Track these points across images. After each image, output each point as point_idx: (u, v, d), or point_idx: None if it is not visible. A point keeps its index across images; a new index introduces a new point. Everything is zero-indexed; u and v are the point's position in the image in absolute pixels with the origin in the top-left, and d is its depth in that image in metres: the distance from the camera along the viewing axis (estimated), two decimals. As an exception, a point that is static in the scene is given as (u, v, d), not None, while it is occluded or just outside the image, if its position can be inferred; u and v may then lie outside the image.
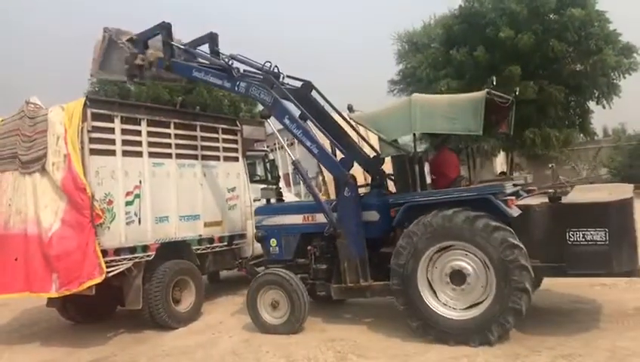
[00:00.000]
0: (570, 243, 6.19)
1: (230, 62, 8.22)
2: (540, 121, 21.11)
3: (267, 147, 12.98)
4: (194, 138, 9.04)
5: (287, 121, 7.79)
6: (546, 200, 6.70)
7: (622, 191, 6.84)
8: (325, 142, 8.00)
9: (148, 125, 8.25)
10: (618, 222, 6.13)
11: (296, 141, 8.51)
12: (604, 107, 21.97)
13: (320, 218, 7.75)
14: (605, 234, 6.06)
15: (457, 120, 6.96)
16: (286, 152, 15.66)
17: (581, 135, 24.33)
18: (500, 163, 28.60)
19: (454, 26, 22.20)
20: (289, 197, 12.23)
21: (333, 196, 8.62)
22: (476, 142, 18.87)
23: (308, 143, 7.65)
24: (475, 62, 20.71)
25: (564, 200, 6.58)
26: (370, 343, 6.75)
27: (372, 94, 43.47)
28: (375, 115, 7.91)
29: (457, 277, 6.51)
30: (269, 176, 11.37)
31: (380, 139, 7.62)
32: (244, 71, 8.36)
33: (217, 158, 9.47)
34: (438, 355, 6.12)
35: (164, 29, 8.62)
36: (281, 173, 12.72)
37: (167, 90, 24.07)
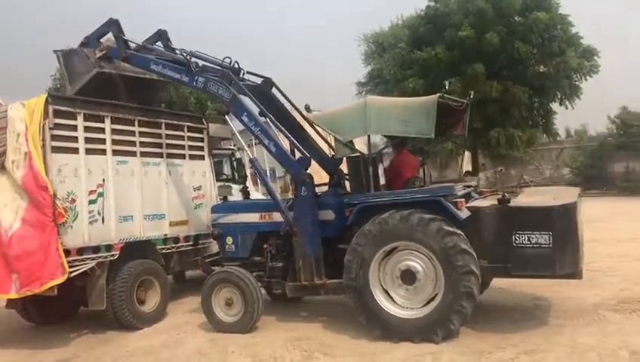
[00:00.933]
0: (515, 245, 6.39)
1: (190, 57, 8.22)
2: (505, 121, 21.50)
3: (234, 145, 12.94)
4: (159, 136, 8.95)
5: (245, 118, 7.80)
6: (495, 202, 6.85)
7: (567, 195, 7.04)
8: (285, 141, 8.04)
9: (112, 122, 8.14)
10: (562, 225, 6.32)
11: (257, 142, 8.51)
12: (566, 108, 22.55)
13: (277, 216, 7.81)
14: (549, 237, 6.25)
15: (410, 123, 7.11)
16: (253, 150, 15.67)
17: (544, 135, 24.85)
18: (465, 163, 28.98)
19: (420, 27, 22.44)
20: (256, 196, 12.22)
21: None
22: (438, 143, 19.08)
23: (266, 141, 7.70)
24: (438, 61, 20.97)
25: (512, 203, 6.75)
26: (337, 342, 6.79)
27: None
28: (331, 115, 8.02)
29: (408, 277, 6.65)
30: (236, 174, 11.33)
31: (335, 139, 7.67)
32: (204, 65, 8.34)
33: (183, 157, 9.39)
34: (405, 353, 6.19)
35: (114, 25, 8.69)
36: (248, 172, 12.67)
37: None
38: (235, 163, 11.41)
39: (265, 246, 7.92)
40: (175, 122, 9.36)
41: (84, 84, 8.79)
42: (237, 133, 8.77)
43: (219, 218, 8.49)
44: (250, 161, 8.11)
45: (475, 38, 20.28)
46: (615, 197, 26.50)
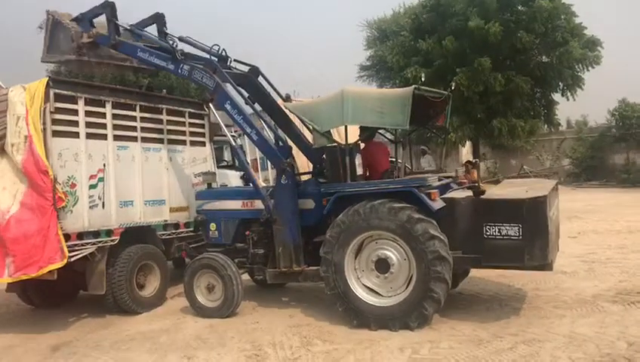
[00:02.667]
0: (486, 236, 6.47)
1: (176, 45, 8.24)
2: (507, 111, 21.40)
3: (235, 132, 12.90)
4: (160, 122, 8.93)
5: (228, 107, 7.86)
6: (467, 194, 6.91)
7: (540, 187, 7.05)
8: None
9: (113, 107, 8.13)
10: (531, 218, 6.35)
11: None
12: (568, 99, 22.38)
13: (258, 204, 7.91)
14: (519, 229, 6.33)
15: (386, 114, 7.14)
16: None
17: (546, 126, 24.77)
18: (465, 153, 28.93)
19: (422, 15, 22.28)
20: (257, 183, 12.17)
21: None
22: (437, 135, 19.02)
23: (248, 130, 7.79)
24: (443, 51, 20.84)
25: (485, 195, 6.80)
26: (336, 328, 6.81)
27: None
28: (309, 105, 8.06)
29: (382, 266, 6.77)
30: (237, 161, 11.31)
31: (313, 129, 7.67)
32: (188, 53, 8.36)
33: (184, 143, 9.38)
34: (403, 340, 6.20)
35: (108, 7, 8.57)
36: (249, 159, 12.64)
37: (133, 72, 23.61)
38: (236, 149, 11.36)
39: (247, 233, 8.03)
40: (176, 108, 9.33)
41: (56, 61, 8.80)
42: (219, 121, 8.74)
43: (203, 204, 8.58)
44: (232, 148, 8.14)
45: (482, 29, 20.12)
46: (615, 189, 26.53)
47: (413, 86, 7.08)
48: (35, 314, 8.64)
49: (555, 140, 33.76)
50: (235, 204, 8.29)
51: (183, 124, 9.40)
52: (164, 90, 9.72)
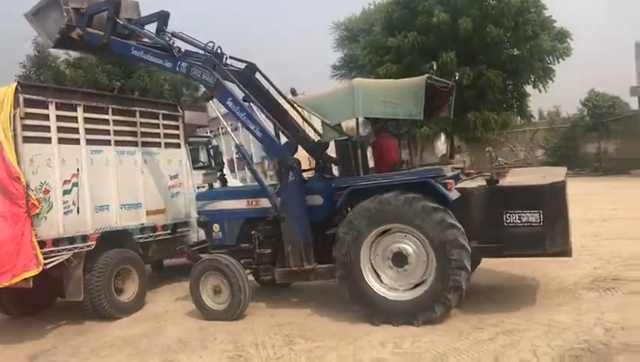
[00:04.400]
0: (506, 224, 6.41)
1: (171, 41, 8.00)
2: (480, 104, 21.63)
3: (210, 132, 12.83)
4: (133, 124, 8.83)
5: (230, 104, 7.67)
6: (484, 183, 6.86)
7: (555, 174, 7.08)
8: (270, 126, 7.94)
9: (85, 111, 8.01)
10: (552, 204, 6.34)
11: (240, 126, 8.42)
12: (540, 91, 22.76)
13: (264, 202, 7.74)
14: (540, 216, 6.29)
15: (399, 105, 7.04)
16: (230, 137, 15.56)
17: (519, 118, 25.09)
18: (440, 146, 29.16)
19: (394, 12, 22.39)
20: (234, 183, 12.14)
21: None
22: (417, 126, 19.16)
23: (251, 126, 7.59)
24: (412, 47, 20.98)
25: (502, 183, 6.76)
26: (318, 326, 6.80)
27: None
28: (318, 98, 7.89)
29: (399, 259, 6.64)
30: (213, 162, 11.23)
31: (322, 123, 7.59)
32: (186, 51, 8.14)
33: (158, 145, 9.30)
34: (386, 335, 6.22)
35: (112, 4, 8.26)
36: (225, 159, 12.59)
37: (106, 75, 23.40)
38: (211, 150, 11.29)
39: (252, 232, 7.84)
40: (149, 110, 9.25)
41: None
42: (220, 117, 8.59)
43: (204, 205, 8.39)
44: (237, 146, 7.98)
45: (449, 23, 20.29)
46: (587, 178, 26.89)
47: (426, 75, 7.00)
48: (11, 323, 8.49)
49: (528, 131, 34.13)
50: (238, 204, 8.10)
51: (156, 126, 9.31)
52: (137, 93, 9.63)
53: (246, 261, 7.76)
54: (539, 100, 31.56)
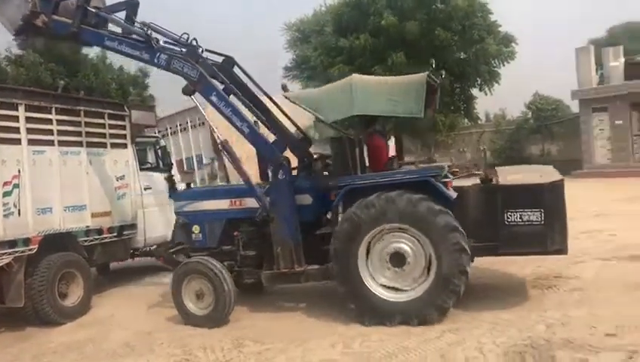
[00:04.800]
0: (507, 223, 6.47)
1: (150, 32, 7.67)
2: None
3: (158, 132, 12.61)
4: (78, 124, 8.61)
5: (214, 99, 7.37)
6: (474, 182, 6.89)
7: (549, 172, 7.17)
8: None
9: (26, 110, 7.76)
10: (552, 202, 6.44)
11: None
12: (486, 93, 23.31)
13: (249, 202, 7.49)
14: (541, 214, 6.39)
15: (399, 102, 6.89)
16: (179, 138, 15.32)
17: (466, 120, 25.64)
18: (390, 148, 29.47)
19: (344, 14, 22.55)
20: (183, 185, 11.93)
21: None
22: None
23: (238, 123, 7.30)
24: (364, 48, 21.19)
25: (501, 182, 6.79)
26: (271, 329, 6.76)
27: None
28: (313, 94, 7.68)
29: (397, 258, 6.55)
30: (161, 163, 11.02)
31: (317, 120, 7.39)
32: (165, 42, 7.83)
33: (104, 145, 9.10)
34: (337, 337, 6.21)
35: None
36: (174, 160, 12.40)
37: (50, 73, 22.76)
38: (159, 151, 11.08)
39: (235, 234, 7.57)
40: (95, 109, 9.04)
41: None
42: (202, 110, 8.00)
43: (183, 206, 8.09)
44: (221, 143, 7.45)
45: (397, 26, 20.58)
46: (532, 179, 27.63)
47: (427, 72, 6.90)
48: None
49: (475, 133, 34.94)
50: (221, 204, 7.80)
51: (102, 125, 9.10)
52: (82, 92, 9.40)
53: (228, 263, 7.45)
54: (485, 103, 32.44)
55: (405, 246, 6.54)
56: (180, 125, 15.41)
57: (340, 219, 6.83)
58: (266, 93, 8.45)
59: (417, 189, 6.46)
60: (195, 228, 7.89)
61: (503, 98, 38.77)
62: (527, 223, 6.44)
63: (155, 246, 9.84)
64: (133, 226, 9.52)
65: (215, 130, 7.97)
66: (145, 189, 9.94)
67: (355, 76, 7.27)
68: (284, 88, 8.47)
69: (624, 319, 5.92)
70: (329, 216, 7.35)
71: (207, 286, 7.12)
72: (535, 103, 32.82)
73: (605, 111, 27.28)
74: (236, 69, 8.20)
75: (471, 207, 6.76)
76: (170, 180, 8.89)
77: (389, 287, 6.62)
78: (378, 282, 6.64)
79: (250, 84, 8.25)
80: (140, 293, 9.30)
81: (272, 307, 7.82)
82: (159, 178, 10.21)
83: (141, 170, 10.13)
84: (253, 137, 7.40)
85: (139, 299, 8.73)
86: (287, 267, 7.15)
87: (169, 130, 15.39)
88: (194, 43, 7.74)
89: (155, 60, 7.72)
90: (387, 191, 6.47)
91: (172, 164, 11.53)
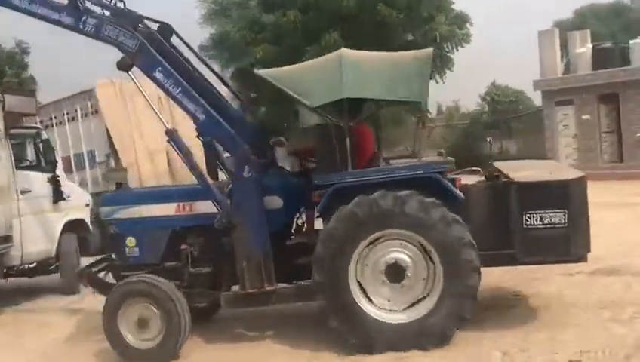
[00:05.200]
0: (525, 227, 6.43)
1: None
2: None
3: (40, 123, 12.27)
4: None
5: (158, 75, 6.90)
6: (482, 179, 6.96)
7: (561, 168, 7.28)
8: None
9: None
10: (577, 202, 6.48)
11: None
12: (437, 82, 23.76)
13: (200, 207, 7.14)
14: (564, 216, 6.36)
15: (399, 84, 6.79)
16: (66, 130, 14.92)
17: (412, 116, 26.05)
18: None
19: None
20: (71, 186, 11.67)
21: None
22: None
23: (190, 106, 6.89)
24: (294, 27, 21.26)
25: (516, 179, 6.68)
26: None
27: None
28: (294, 72, 7.41)
29: (394, 272, 6.39)
30: (43, 160, 10.72)
31: (299, 104, 7.08)
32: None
33: (-31, 138, 8.80)
34: (288, 357, 6.45)
35: None
36: (59, 157, 12.05)
37: None
38: (41, 145, 10.76)
39: (183, 246, 7.12)
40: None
41: None
42: (144, 93, 7.34)
43: (114, 212, 7.51)
44: (168, 132, 6.95)
45: (332, 0, 20.74)
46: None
47: (431, 49, 6.86)
48: None
49: (425, 129, 35.57)
50: (164, 209, 7.33)
51: (-33, 114, 8.80)
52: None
53: (174, 284, 6.92)
54: (436, 94, 32.98)
55: (406, 257, 6.38)
56: (67, 114, 14.98)
57: (329, 221, 6.49)
58: (212, 70, 8.25)
59: (422, 187, 6.31)
60: (130, 241, 7.33)
61: (456, 88, 39.75)
62: (549, 226, 6.40)
63: (34, 264, 9.59)
64: (7, 239, 9.20)
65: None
66: (22, 193, 9.68)
67: (345, 51, 7.11)
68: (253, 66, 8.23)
69: (589, 343, 6.08)
70: (300, 222, 7.28)
71: (154, 311, 6.63)
72: (491, 94, 33.58)
73: (571, 105, 27.05)
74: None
75: (476, 208, 6.69)
76: (54, 182, 8.66)
77: (384, 307, 6.44)
78: (370, 298, 6.44)
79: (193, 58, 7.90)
80: (15, 323, 8.97)
81: (229, 336, 7.56)
82: (41, 179, 9.97)
83: (18, 168, 9.82)
84: (211, 124, 6.94)
85: (11, 332, 8.47)
86: (255, 286, 6.78)
87: (54, 120, 15.01)
88: (126, 10, 7.30)
89: (81, 25, 7.14)
90: (391, 190, 6.26)
91: (57, 161, 11.24)
